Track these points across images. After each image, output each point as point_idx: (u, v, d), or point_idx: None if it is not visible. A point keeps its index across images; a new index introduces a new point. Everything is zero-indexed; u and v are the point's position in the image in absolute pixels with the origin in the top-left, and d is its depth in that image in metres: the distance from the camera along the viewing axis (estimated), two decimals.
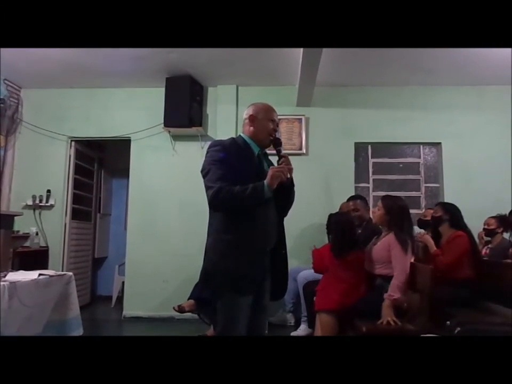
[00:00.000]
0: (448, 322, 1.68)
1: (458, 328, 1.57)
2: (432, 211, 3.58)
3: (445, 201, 3.68)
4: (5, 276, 2.07)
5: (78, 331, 2.43)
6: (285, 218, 1.82)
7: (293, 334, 3.48)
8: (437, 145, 4.42)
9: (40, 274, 2.20)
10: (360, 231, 3.20)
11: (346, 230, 2.65)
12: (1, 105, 4.10)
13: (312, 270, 3.41)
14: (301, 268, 3.76)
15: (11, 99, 4.32)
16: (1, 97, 4.13)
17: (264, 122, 1.86)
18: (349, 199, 3.67)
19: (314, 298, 2.72)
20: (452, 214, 2.86)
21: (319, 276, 2.90)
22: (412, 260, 2.64)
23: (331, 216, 3.02)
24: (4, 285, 1.86)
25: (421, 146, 4.49)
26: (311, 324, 3.26)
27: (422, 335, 1.43)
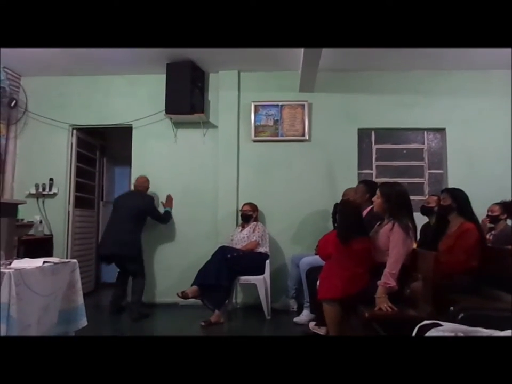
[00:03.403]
0: (451, 308, 1.69)
1: (462, 314, 1.58)
2: (435, 197, 3.56)
3: (449, 187, 3.65)
4: (10, 264, 2.09)
5: (83, 321, 2.46)
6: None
7: (296, 319, 3.52)
8: (441, 131, 4.37)
9: (45, 262, 2.21)
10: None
11: (352, 217, 2.64)
12: (1, 92, 4.07)
13: (315, 256, 3.43)
14: (303, 254, 3.78)
15: (11, 87, 4.29)
16: (1, 85, 4.10)
17: None
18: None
19: (317, 284, 2.73)
20: (460, 201, 2.79)
21: (322, 262, 2.91)
22: (414, 246, 2.64)
23: (337, 205, 3.01)
24: (9, 272, 1.88)
25: (425, 132, 4.45)
26: (314, 310, 3.28)
27: (425, 321, 1.43)
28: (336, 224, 2.90)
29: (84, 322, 2.46)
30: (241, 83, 4.40)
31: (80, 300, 2.46)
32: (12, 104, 4.21)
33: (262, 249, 3.83)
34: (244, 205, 4.07)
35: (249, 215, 3.98)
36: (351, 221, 2.63)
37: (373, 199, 2.74)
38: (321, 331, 3.00)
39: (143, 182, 4.08)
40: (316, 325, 3.12)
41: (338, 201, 3.11)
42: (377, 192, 2.64)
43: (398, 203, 2.53)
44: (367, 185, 3.40)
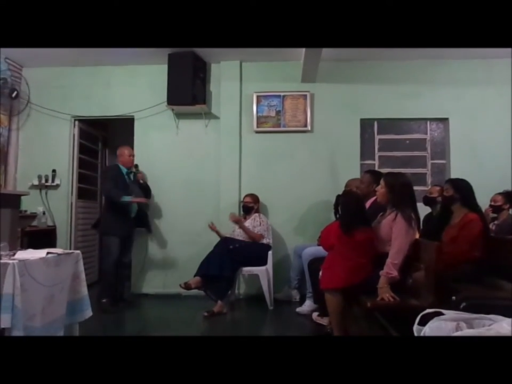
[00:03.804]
0: (453, 297, 1.69)
1: (464, 303, 1.59)
2: (438, 188, 3.55)
3: (452, 177, 3.63)
4: (14, 255, 2.10)
5: (88, 311, 2.48)
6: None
7: (298, 310, 3.54)
8: (444, 120, 4.35)
9: (48, 253, 2.22)
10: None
11: (355, 208, 2.64)
12: (2, 83, 4.06)
13: (317, 247, 3.44)
14: (306, 245, 3.79)
15: (13, 78, 4.27)
16: (3, 76, 4.09)
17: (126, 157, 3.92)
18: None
19: (320, 274, 2.74)
20: (463, 192, 2.76)
21: (324, 253, 2.91)
22: (417, 237, 2.64)
23: (339, 196, 3.01)
24: (13, 263, 1.89)
25: (428, 122, 4.42)
26: (316, 300, 3.30)
27: (427, 310, 1.44)
28: (338, 215, 2.90)
29: (89, 312, 2.48)
30: (243, 73, 4.38)
31: (84, 290, 2.48)
32: (13, 95, 4.20)
33: (265, 241, 3.84)
34: (245, 196, 4.06)
35: (250, 206, 3.98)
36: (353, 211, 2.63)
37: (376, 188, 2.73)
38: (324, 321, 3.03)
39: (118, 154, 3.97)
40: (318, 315, 3.14)
41: (340, 192, 3.11)
42: (381, 182, 2.63)
43: (401, 194, 2.52)
44: (373, 175, 3.34)
